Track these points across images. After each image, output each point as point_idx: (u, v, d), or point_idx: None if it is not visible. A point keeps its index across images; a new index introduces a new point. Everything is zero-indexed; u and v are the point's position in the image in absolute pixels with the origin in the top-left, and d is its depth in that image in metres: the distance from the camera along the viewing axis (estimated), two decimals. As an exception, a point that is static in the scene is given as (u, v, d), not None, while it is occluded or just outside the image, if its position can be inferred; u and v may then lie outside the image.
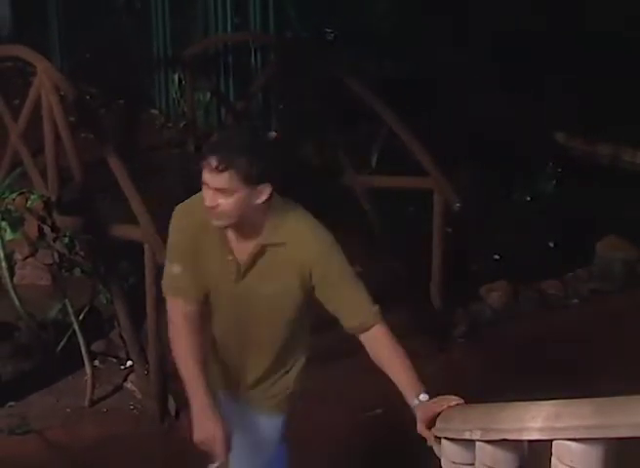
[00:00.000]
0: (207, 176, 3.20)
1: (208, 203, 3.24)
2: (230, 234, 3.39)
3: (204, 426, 3.39)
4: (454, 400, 3.11)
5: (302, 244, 3.36)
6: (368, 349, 3.46)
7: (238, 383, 3.70)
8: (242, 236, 3.37)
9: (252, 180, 3.20)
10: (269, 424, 3.76)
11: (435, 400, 3.18)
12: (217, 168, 3.15)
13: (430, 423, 3.12)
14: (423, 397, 3.26)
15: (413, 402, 3.26)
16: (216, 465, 3.35)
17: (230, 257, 3.40)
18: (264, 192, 3.26)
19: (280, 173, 3.35)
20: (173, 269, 3.48)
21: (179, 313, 3.47)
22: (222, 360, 3.68)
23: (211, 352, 3.65)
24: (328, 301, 3.44)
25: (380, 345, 3.44)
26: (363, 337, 3.46)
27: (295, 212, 3.45)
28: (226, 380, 3.73)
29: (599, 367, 5.70)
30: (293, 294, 3.43)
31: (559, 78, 9.89)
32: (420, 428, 3.16)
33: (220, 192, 3.19)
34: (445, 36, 10.31)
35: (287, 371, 3.68)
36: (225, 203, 3.21)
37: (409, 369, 3.41)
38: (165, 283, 3.56)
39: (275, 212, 3.37)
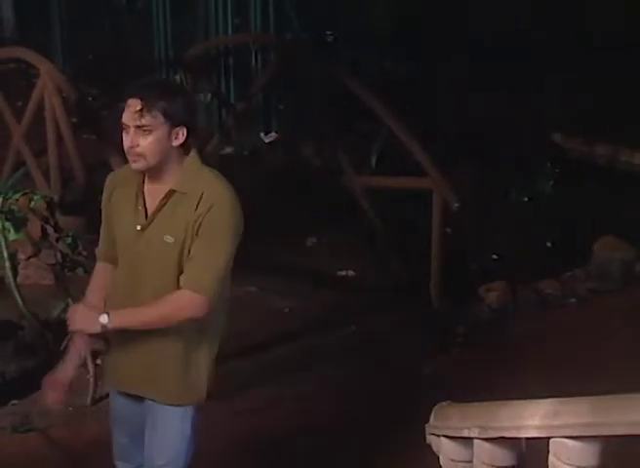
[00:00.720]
0: (128, 117, 3.30)
1: (128, 143, 3.32)
2: (146, 185, 3.47)
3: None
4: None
5: (207, 194, 3.36)
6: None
7: (128, 364, 3.60)
8: (157, 184, 3.43)
9: (170, 119, 3.31)
10: (171, 415, 3.58)
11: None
12: (141, 107, 3.26)
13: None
14: (106, 321, 3.38)
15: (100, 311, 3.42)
16: None
17: (140, 207, 3.46)
18: (180, 134, 3.35)
19: (195, 118, 3.50)
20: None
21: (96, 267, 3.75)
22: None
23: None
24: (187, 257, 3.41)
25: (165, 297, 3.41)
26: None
27: (210, 170, 3.50)
28: (121, 367, 3.66)
29: (597, 365, 5.70)
30: (185, 249, 3.39)
31: (558, 79, 9.90)
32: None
33: (140, 131, 3.29)
34: (444, 37, 10.31)
35: (182, 343, 3.51)
36: (145, 142, 3.30)
37: (143, 310, 3.43)
38: None
39: (191, 164, 3.44)
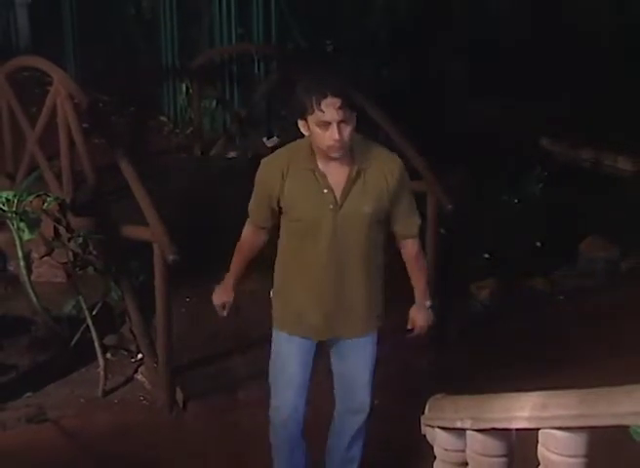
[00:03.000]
0: (331, 115, 3.58)
1: (337, 136, 3.60)
2: (322, 169, 3.76)
3: (219, 295, 4.20)
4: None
5: (385, 166, 3.81)
6: (402, 253, 4.08)
7: (345, 316, 3.98)
8: (336, 166, 3.74)
9: (354, 109, 3.68)
10: (367, 344, 4.10)
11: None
12: (342, 103, 3.57)
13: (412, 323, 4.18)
14: (427, 303, 4.16)
15: (419, 304, 4.16)
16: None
17: (326, 190, 3.74)
18: (355, 118, 3.69)
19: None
20: (251, 202, 3.98)
21: (245, 233, 4.09)
22: (322, 298, 3.94)
23: (308, 299, 3.98)
24: (392, 209, 3.90)
25: (410, 256, 4.07)
26: (402, 243, 4.05)
27: (370, 141, 3.92)
28: (331, 321, 3.99)
29: (583, 359, 5.69)
30: (384, 208, 3.85)
31: (545, 87, 9.90)
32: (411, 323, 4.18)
33: (343, 124, 3.59)
34: (437, 46, 10.31)
35: (379, 286, 4.06)
36: (347, 132, 3.62)
37: (422, 280, 4.13)
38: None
39: (358, 140, 3.78)
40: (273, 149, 4.11)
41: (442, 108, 9.55)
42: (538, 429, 2.49)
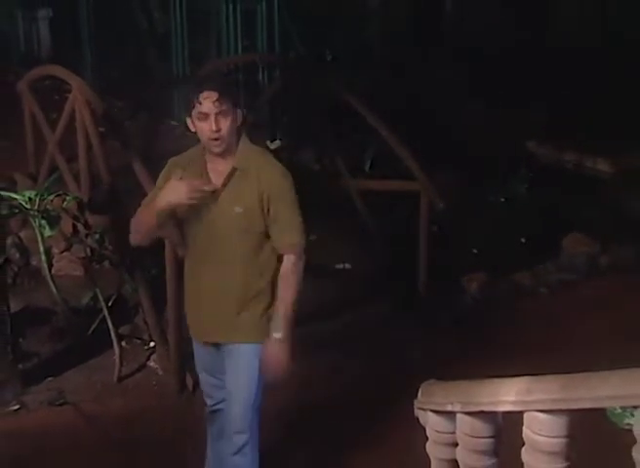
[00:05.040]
0: (208, 107, 3.55)
1: (214, 128, 3.55)
2: (208, 165, 3.69)
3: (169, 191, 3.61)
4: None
5: (266, 174, 3.65)
6: (281, 267, 3.71)
7: (215, 314, 3.78)
8: (219, 163, 3.66)
9: (236, 104, 3.65)
10: (249, 353, 3.76)
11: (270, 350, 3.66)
12: (219, 96, 3.53)
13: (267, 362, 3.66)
14: (275, 335, 3.65)
15: (270, 336, 3.66)
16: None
17: (206, 188, 3.61)
18: (240, 116, 3.66)
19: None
20: (144, 200, 3.81)
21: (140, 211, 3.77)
22: (200, 293, 3.80)
23: (191, 292, 3.87)
24: (269, 222, 3.67)
25: (282, 271, 3.70)
26: (283, 258, 3.71)
27: (258, 147, 3.82)
28: (203, 318, 3.84)
29: (566, 347, 5.70)
30: (255, 214, 3.64)
31: (531, 93, 9.89)
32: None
33: (220, 117, 3.55)
34: (429, 55, 10.31)
35: (256, 296, 3.73)
36: (225, 125, 3.56)
37: (283, 301, 3.67)
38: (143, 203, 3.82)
39: (244, 143, 3.70)
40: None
41: (434, 113, 9.54)
42: (522, 412, 2.49)
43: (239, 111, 3.65)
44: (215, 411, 4.12)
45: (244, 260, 3.68)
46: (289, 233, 3.68)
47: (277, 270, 3.72)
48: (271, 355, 3.66)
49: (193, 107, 3.58)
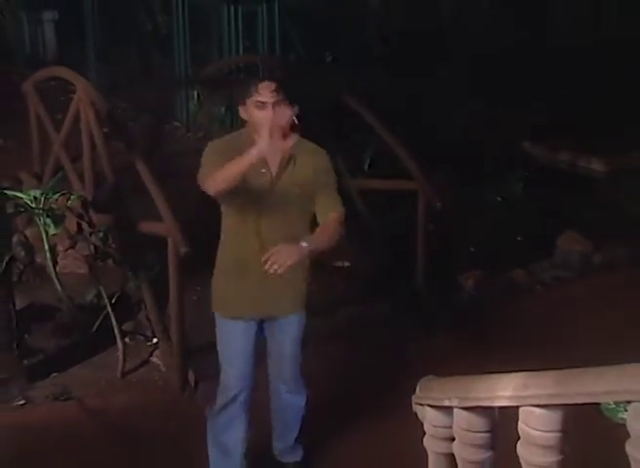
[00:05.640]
0: (267, 97, 3.74)
1: (270, 114, 3.72)
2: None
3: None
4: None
5: (316, 157, 3.98)
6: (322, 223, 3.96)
7: (271, 293, 3.99)
8: (274, 150, 3.75)
9: (291, 101, 3.81)
10: (298, 322, 4.13)
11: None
12: (277, 87, 3.74)
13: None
14: (304, 244, 3.76)
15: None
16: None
17: (264, 169, 3.85)
18: (294, 109, 3.82)
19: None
20: (204, 170, 3.88)
21: (209, 175, 3.81)
22: (249, 274, 3.96)
23: (237, 271, 4.03)
24: (317, 198, 3.96)
25: (325, 223, 3.95)
26: (323, 221, 3.96)
27: (302, 138, 3.98)
28: (254, 293, 4.01)
29: (560, 342, 5.70)
30: (310, 193, 3.93)
31: (527, 95, 9.89)
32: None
33: (277, 106, 3.74)
34: (428, 57, 10.30)
35: (302, 270, 4.02)
36: (281, 113, 3.74)
37: (321, 233, 3.91)
38: (201, 179, 3.89)
39: (294, 134, 3.85)
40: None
41: (432, 114, 9.53)
42: (518, 407, 2.50)
43: (294, 105, 3.82)
44: (234, 400, 4.15)
45: (296, 237, 3.83)
46: (334, 206, 3.97)
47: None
48: (289, 248, 3.70)
49: (250, 96, 3.77)
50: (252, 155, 3.60)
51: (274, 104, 3.75)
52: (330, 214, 3.96)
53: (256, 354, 4.14)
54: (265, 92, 3.75)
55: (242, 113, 3.88)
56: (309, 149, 3.99)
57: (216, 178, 3.74)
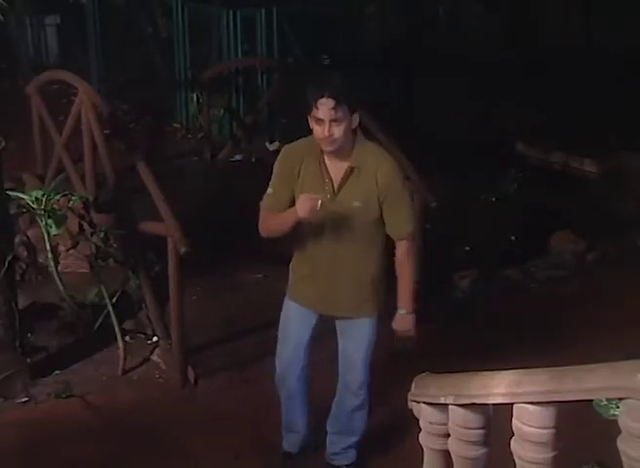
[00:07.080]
0: (324, 113, 3.65)
1: (326, 133, 3.67)
2: (327, 161, 3.82)
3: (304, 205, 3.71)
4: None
5: (383, 169, 3.80)
6: (396, 253, 3.98)
7: (333, 295, 4.03)
8: (337, 160, 3.79)
9: (353, 109, 3.71)
10: (366, 325, 4.09)
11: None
12: (335, 104, 3.63)
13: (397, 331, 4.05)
14: (401, 311, 4.00)
15: (398, 312, 4.02)
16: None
17: (327, 180, 3.82)
18: (356, 120, 3.75)
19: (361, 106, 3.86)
20: (268, 191, 3.94)
21: (263, 218, 3.95)
22: (316, 274, 4.01)
23: (305, 273, 4.06)
24: (385, 213, 3.88)
25: (398, 258, 3.96)
26: (396, 244, 3.97)
27: (372, 143, 3.96)
28: (321, 297, 4.05)
29: (554, 340, 5.70)
30: (373, 206, 3.83)
31: (521, 98, 9.88)
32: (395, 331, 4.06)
33: (334, 124, 3.65)
34: (422, 59, 10.29)
35: (368, 277, 4.01)
36: (338, 131, 3.67)
37: (404, 284, 3.97)
38: (263, 199, 3.96)
39: (359, 141, 3.83)
40: (275, 152, 4.14)
41: (428, 116, 9.53)
42: (512, 404, 2.49)
43: (355, 115, 3.73)
44: (282, 381, 4.25)
45: (358, 246, 3.89)
46: (404, 223, 3.91)
47: (383, 252, 4.00)
48: (401, 327, 4.01)
49: (311, 110, 3.70)
50: (293, 217, 3.74)
51: (331, 122, 3.66)
52: (399, 238, 3.93)
53: (309, 343, 4.17)
54: (324, 109, 3.66)
55: (310, 123, 3.79)
56: (376, 159, 3.84)
57: (267, 228, 3.92)
